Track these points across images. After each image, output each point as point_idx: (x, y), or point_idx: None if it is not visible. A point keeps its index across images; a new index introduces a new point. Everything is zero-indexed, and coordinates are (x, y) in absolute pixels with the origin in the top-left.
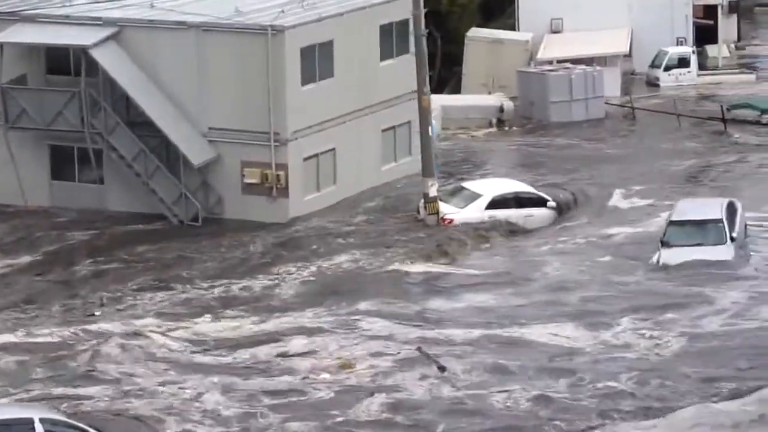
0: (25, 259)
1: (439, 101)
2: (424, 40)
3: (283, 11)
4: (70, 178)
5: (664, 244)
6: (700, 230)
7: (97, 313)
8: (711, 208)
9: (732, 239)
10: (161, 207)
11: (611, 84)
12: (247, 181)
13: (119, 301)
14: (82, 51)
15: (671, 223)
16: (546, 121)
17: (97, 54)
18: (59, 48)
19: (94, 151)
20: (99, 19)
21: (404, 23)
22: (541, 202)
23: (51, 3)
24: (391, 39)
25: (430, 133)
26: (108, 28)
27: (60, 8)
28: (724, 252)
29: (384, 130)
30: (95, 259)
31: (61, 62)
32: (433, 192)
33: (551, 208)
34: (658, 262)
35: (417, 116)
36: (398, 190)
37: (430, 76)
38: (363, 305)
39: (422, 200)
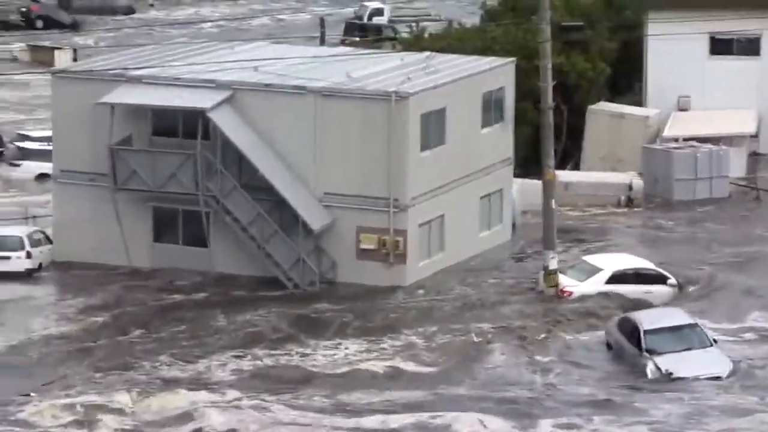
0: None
1: (567, 177)
2: (550, 113)
3: (409, 78)
4: (173, 240)
5: (651, 351)
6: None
7: None
8: (676, 315)
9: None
10: (276, 271)
11: (737, 164)
12: (364, 246)
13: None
14: (200, 113)
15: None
16: (669, 199)
17: (214, 116)
18: (167, 110)
19: (200, 213)
20: (212, 81)
21: (501, 91)
22: (661, 280)
23: (157, 64)
24: (491, 107)
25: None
26: (222, 91)
27: (166, 70)
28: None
29: (482, 198)
30: (228, 317)
31: (169, 124)
32: (553, 265)
33: (671, 285)
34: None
35: (508, 184)
36: (499, 256)
37: (555, 150)
38: None
39: (541, 272)
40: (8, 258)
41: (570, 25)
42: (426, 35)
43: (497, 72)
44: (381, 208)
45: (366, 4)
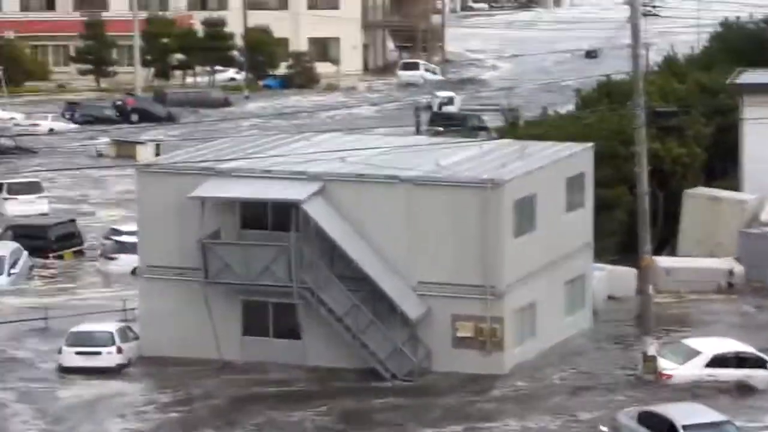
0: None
1: (668, 263)
2: (646, 199)
3: (504, 165)
4: (263, 333)
5: None
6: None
7: None
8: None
9: None
10: (372, 361)
11: None
12: (460, 334)
13: None
14: (293, 205)
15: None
16: None
17: (308, 208)
18: (256, 202)
19: (292, 305)
20: (303, 173)
21: (582, 176)
22: (761, 364)
23: (240, 157)
24: (573, 191)
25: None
26: (313, 182)
27: (253, 163)
28: None
29: (566, 283)
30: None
31: (257, 216)
32: (652, 351)
33: None
34: None
35: (589, 269)
36: (583, 341)
37: (652, 235)
38: None
39: (642, 358)
40: (99, 353)
41: (665, 111)
42: (521, 123)
43: (579, 157)
44: (476, 296)
45: (438, 93)
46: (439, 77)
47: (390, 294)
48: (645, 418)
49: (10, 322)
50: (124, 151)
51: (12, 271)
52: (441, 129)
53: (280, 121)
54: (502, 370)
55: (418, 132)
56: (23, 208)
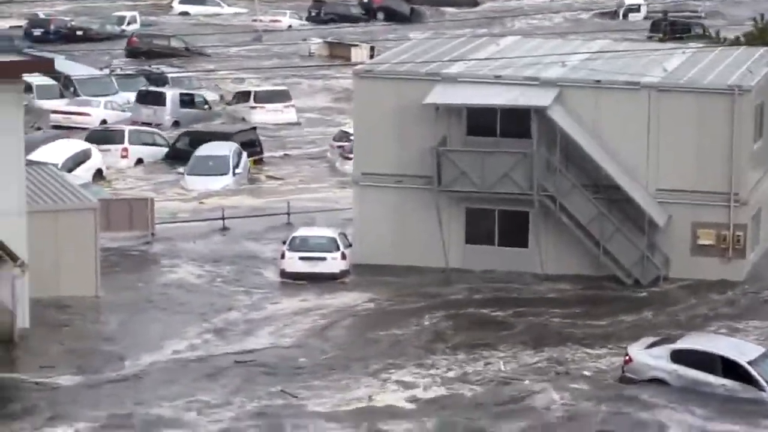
0: None
1: None
2: None
3: (750, 71)
4: (488, 241)
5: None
6: None
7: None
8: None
9: None
10: (614, 269)
11: None
12: (701, 242)
13: None
14: (534, 111)
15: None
16: None
17: (554, 114)
18: (484, 109)
19: (519, 213)
20: (535, 79)
21: None
22: None
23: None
24: None
25: None
26: (550, 88)
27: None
28: None
29: None
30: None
31: (484, 123)
32: None
33: None
34: None
35: None
36: None
37: None
38: None
39: None
40: (324, 259)
41: None
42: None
43: None
44: (719, 203)
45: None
46: None
47: (639, 201)
48: (682, 356)
49: (254, 216)
50: (338, 52)
51: (236, 171)
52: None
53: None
54: (740, 277)
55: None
56: (270, 117)
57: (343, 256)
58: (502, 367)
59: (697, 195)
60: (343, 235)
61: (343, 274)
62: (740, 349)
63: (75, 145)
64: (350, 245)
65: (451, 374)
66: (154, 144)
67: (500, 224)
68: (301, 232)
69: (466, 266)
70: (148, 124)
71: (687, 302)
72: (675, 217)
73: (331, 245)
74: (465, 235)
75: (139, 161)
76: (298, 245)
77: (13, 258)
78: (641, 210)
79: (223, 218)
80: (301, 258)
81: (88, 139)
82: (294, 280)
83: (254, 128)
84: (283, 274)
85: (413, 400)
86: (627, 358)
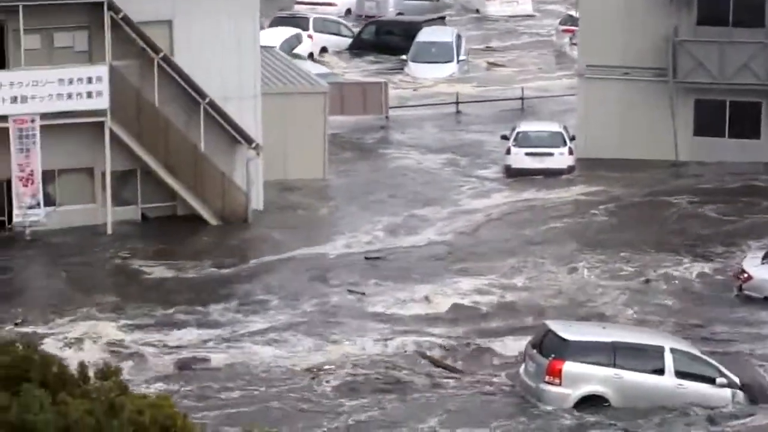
0: None
1: None
2: None
3: None
4: (717, 133)
5: None
6: None
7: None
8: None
9: None
10: None
11: None
12: None
13: None
14: None
15: None
16: None
17: None
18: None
19: (751, 104)
20: None
21: None
22: None
23: None
24: None
25: None
26: None
27: None
28: None
29: None
30: None
31: (716, 13)
32: None
33: None
34: None
35: None
36: None
37: None
38: None
39: None
40: (551, 155)
41: None
42: None
43: None
44: None
45: None
46: None
47: None
48: None
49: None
50: None
51: (459, 57)
52: None
53: None
54: None
55: None
56: (504, 8)
57: (570, 152)
58: None
59: None
60: (565, 128)
61: (570, 169)
62: None
63: (287, 30)
64: (573, 138)
65: None
66: (338, 34)
67: (731, 115)
68: (526, 126)
69: (694, 158)
70: (371, 17)
71: None
72: None
73: (558, 140)
74: (693, 127)
75: (323, 50)
76: (524, 140)
77: (248, 140)
78: None
79: (457, 102)
80: (528, 154)
81: (272, 26)
82: (519, 176)
83: (443, 18)
84: (509, 170)
85: None
86: (745, 275)
